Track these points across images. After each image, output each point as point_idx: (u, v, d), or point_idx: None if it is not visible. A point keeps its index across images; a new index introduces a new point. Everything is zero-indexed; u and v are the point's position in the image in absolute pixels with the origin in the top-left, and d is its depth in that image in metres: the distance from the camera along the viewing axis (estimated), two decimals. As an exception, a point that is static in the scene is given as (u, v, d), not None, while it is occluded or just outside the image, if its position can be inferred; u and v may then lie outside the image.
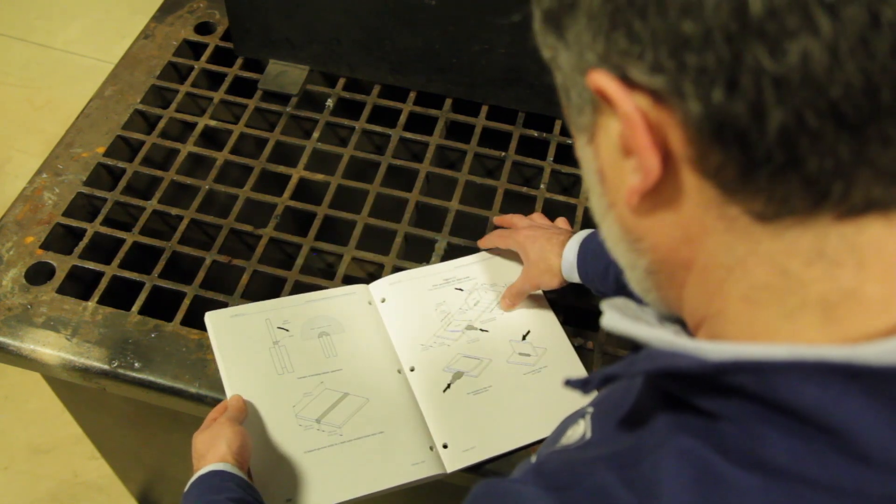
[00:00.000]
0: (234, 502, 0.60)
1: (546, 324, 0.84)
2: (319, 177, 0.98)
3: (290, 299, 0.83)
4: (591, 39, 0.30)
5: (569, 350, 0.82)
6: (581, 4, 0.30)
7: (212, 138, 1.05)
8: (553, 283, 0.80)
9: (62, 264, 0.89)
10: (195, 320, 0.82)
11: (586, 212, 0.93)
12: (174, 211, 0.94)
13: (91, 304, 0.85)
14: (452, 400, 0.78)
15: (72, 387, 0.91)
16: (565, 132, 1.01)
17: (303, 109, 1.06)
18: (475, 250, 0.91)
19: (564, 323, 0.85)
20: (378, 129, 1.03)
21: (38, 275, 0.88)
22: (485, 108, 1.05)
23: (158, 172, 0.98)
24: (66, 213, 0.93)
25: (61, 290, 0.86)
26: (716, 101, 0.27)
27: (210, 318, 0.80)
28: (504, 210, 0.94)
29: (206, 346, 0.81)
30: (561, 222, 0.88)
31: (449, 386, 0.79)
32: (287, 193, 0.96)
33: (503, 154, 1.01)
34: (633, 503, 0.31)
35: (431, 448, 0.75)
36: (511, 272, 0.87)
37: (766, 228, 0.29)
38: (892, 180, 0.27)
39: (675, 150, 0.30)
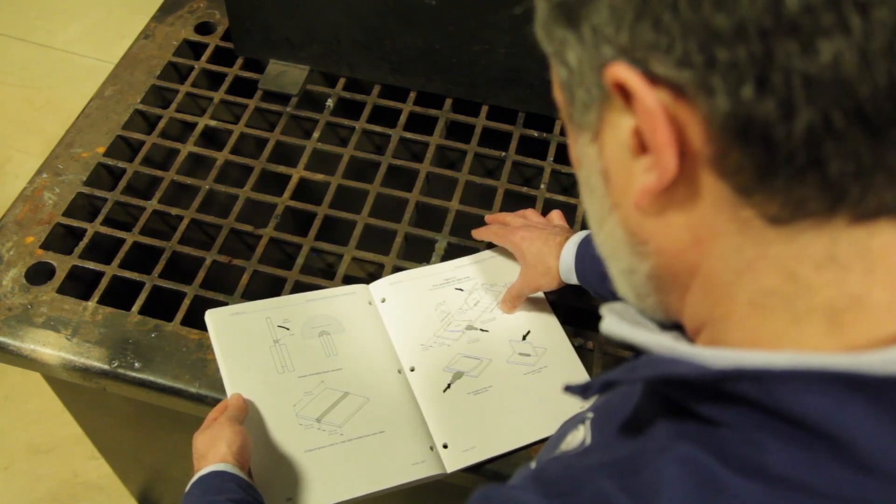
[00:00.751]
0: (234, 503, 0.60)
1: (546, 324, 0.84)
2: (319, 177, 0.98)
3: (290, 298, 0.83)
4: (613, 32, 0.29)
5: (569, 350, 0.82)
6: None
7: (212, 138, 1.05)
8: (552, 286, 0.80)
9: (62, 264, 0.89)
10: (195, 320, 0.82)
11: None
12: (174, 211, 0.94)
13: (91, 304, 0.85)
14: (452, 400, 0.78)
15: (72, 387, 0.91)
16: (565, 133, 1.01)
17: (303, 109, 1.06)
18: (475, 250, 0.91)
19: (564, 323, 0.85)
20: (378, 129, 1.03)
21: (39, 275, 0.88)
22: (485, 108, 1.05)
23: (158, 172, 0.98)
24: (67, 213, 0.93)
25: (61, 290, 0.86)
26: (745, 98, 0.26)
27: (210, 315, 0.80)
28: (504, 210, 0.94)
29: (206, 346, 0.81)
30: (555, 216, 0.87)
31: (449, 386, 0.79)
32: (287, 193, 0.96)
33: (503, 154, 1.01)
34: None
35: (431, 448, 0.75)
36: (511, 272, 0.87)
37: (778, 232, 0.29)
38: None
39: (693, 148, 0.29)
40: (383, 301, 0.85)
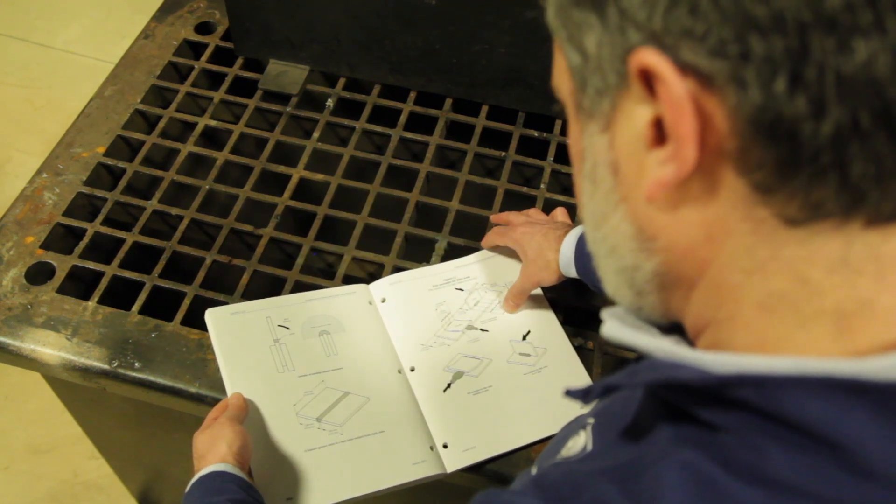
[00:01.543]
0: (235, 503, 0.60)
1: (546, 324, 0.84)
2: (319, 177, 0.98)
3: (290, 298, 0.83)
4: (645, 16, 0.27)
5: (569, 350, 0.82)
6: None
7: (212, 138, 1.05)
8: (552, 279, 0.80)
9: (62, 264, 0.89)
10: (195, 320, 0.82)
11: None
12: (174, 211, 0.94)
13: (91, 303, 0.85)
14: (453, 400, 0.78)
15: (72, 387, 0.91)
16: (565, 132, 1.01)
17: (303, 109, 1.06)
18: (475, 250, 0.91)
19: (564, 323, 0.85)
20: (378, 129, 1.03)
21: (39, 275, 0.88)
22: (485, 108, 1.05)
23: (158, 172, 0.98)
24: (67, 213, 0.93)
25: (61, 290, 0.86)
26: (776, 93, 0.25)
27: (210, 315, 0.80)
28: (504, 210, 0.94)
29: (206, 346, 0.81)
30: (559, 213, 0.87)
31: (449, 386, 0.79)
32: (287, 193, 0.96)
33: (503, 154, 1.01)
34: None
35: (432, 448, 0.75)
36: (511, 271, 0.87)
37: (792, 233, 0.28)
38: None
39: (715, 141, 0.28)
40: (383, 301, 0.85)
